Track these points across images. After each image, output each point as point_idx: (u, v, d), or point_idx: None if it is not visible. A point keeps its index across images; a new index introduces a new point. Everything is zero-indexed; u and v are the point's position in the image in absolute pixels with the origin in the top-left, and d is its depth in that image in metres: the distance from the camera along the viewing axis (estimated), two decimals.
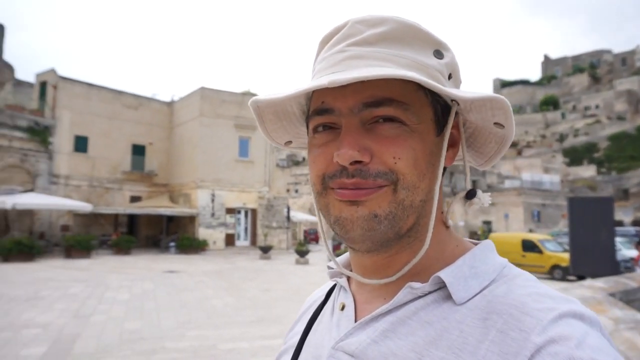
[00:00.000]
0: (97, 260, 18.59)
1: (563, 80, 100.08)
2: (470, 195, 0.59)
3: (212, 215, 25.90)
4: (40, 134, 23.32)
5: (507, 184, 43.27)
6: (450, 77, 0.56)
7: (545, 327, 0.43)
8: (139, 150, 28.00)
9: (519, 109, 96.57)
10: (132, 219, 27.16)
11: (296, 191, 49.52)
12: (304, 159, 54.41)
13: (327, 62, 0.54)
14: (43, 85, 25.37)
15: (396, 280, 0.56)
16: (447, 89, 0.48)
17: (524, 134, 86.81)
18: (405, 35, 0.53)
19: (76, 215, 23.89)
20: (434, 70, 0.53)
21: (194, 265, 17.29)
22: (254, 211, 27.57)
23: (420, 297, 0.52)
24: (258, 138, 27.76)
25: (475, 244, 0.59)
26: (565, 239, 15.72)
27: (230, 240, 26.48)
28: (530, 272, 0.54)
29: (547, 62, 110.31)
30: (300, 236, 32.00)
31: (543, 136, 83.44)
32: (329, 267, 0.67)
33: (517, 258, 16.03)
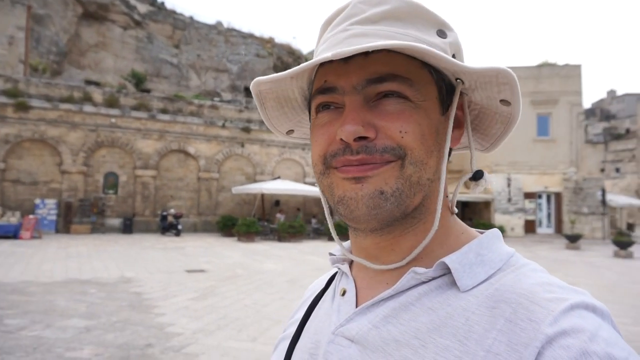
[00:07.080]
0: None
1: None
2: (478, 176, 0.58)
3: (509, 200, 24.74)
4: None
5: None
6: (453, 57, 0.54)
7: (556, 317, 0.41)
8: None
9: None
10: None
11: (617, 170, 41.45)
12: (627, 130, 44.65)
13: (330, 41, 0.53)
14: None
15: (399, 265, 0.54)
16: (452, 60, 0.46)
17: None
18: (409, 14, 0.52)
19: None
20: (438, 49, 0.51)
21: None
22: (558, 195, 24.86)
23: (423, 282, 0.51)
24: (561, 114, 24.76)
25: (482, 233, 0.57)
26: None
27: (530, 227, 24.80)
28: None
29: None
30: (622, 224, 26.68)
31: None
32: (331, 254, 0.66)
33: None
